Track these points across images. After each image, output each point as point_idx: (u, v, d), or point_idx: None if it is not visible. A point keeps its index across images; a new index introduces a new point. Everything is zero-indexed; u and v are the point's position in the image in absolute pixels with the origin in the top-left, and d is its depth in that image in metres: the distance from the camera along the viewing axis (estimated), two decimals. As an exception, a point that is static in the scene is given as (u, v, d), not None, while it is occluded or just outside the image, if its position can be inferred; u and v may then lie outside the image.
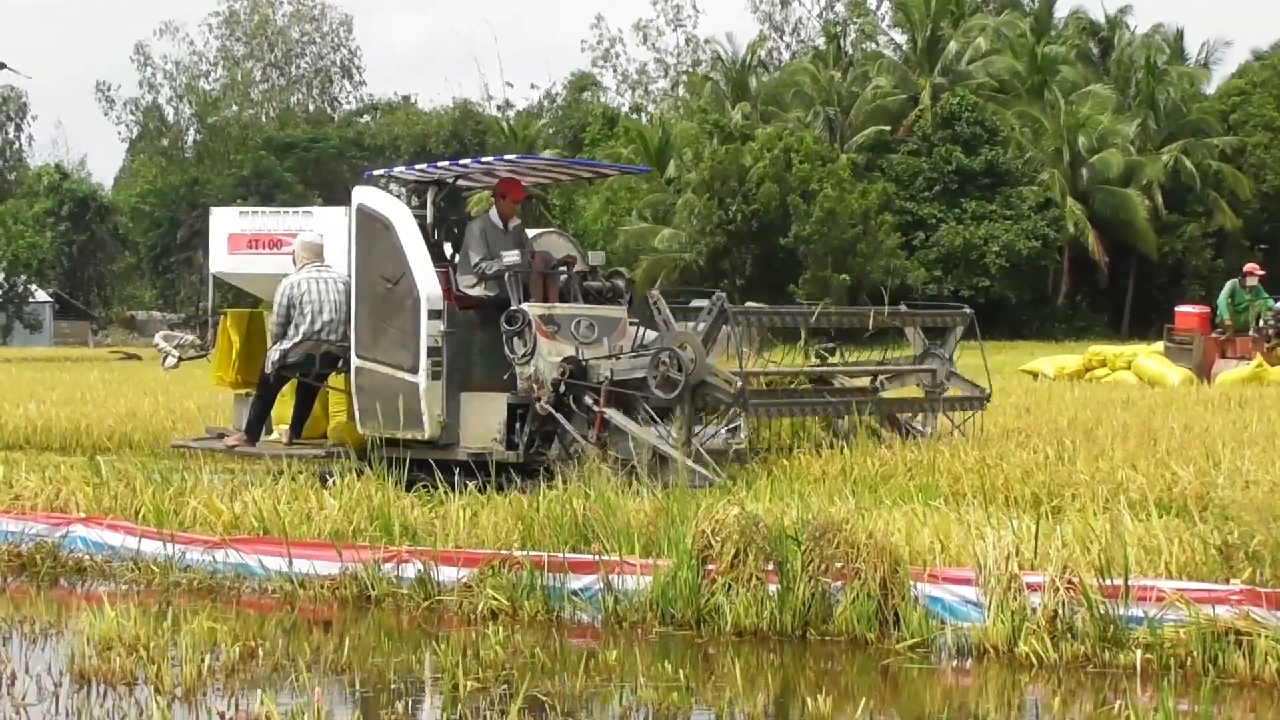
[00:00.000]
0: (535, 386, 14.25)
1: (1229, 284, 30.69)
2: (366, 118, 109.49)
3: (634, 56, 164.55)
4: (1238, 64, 79.95)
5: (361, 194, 15.08)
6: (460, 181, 16.57)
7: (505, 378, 14.58)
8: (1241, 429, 16.14)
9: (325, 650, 9.65)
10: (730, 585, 9.98)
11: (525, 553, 10.77)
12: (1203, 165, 71.50)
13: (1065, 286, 69.96)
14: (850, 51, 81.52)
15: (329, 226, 15.62)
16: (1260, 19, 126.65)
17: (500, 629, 9.80)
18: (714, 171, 64.20)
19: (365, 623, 10.64)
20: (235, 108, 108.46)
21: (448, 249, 15.92)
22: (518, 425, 14.44)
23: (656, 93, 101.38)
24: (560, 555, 10.69)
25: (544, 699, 8.33)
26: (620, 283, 15.97)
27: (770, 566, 9.92)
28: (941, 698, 8.73)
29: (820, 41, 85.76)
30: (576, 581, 10.56)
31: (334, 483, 12.90)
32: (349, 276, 15.14)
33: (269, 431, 15.84)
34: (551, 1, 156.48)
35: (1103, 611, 8.98)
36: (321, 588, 11.26)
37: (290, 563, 11.52)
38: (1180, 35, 77.50)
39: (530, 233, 16.21)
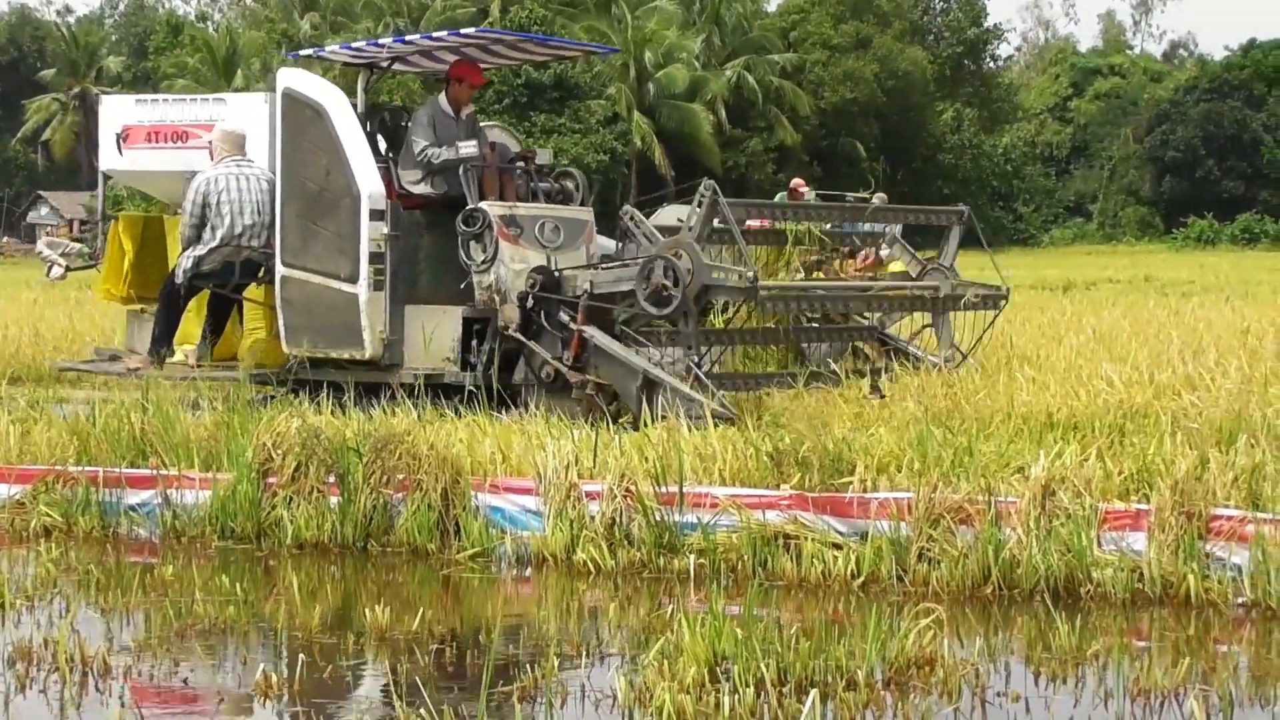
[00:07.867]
0: (496, 298, 12.70)
1: (777, 198, 31.54)
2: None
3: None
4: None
5: (288, 76, 13.42)
6: (397, 65, 15.02)
7: (462, 288, 12.94)
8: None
9: None
10: (291, 498, 9.92)
11: (80, 468, 10.52)
12: (764, 81, 73.46)
13: (633, 200, 70.94)
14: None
15: (246, 115, 13.85)
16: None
17: (54, 546, 9.59)
18: (282, 81, 63.27)
19: (-91, 543, 10.27)
20: None
21: (381, 143, 14.14)
22: (474, 342, 12.93)
23: (223, 2, 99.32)
24: (117, 470, 10.47)
25: (97, 615, 8.18)
26: (571, 184, 14.26)
27: (332, 479, 9.89)
28: (501, 605, 8.83)
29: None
30: (134, 497, 10.35)
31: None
32: (272, 173, 13.44)
33: (171, 353, 14.01)
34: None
35: (658, 519, 9.18)
36: None
37: None
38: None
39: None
